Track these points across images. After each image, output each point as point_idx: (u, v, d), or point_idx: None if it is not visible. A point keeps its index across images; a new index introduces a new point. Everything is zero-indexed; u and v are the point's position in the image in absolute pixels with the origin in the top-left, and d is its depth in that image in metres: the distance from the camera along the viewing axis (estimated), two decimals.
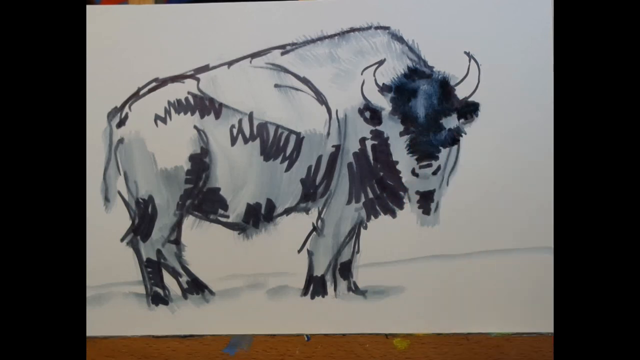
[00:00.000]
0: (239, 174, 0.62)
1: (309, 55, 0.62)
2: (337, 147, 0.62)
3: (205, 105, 0.63)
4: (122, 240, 0.63)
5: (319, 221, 0.63)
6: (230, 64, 0.63)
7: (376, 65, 0.62)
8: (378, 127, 0.62)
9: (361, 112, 0.62)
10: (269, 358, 0.62)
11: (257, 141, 0.62)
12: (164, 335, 0.63)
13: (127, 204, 0.63)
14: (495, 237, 0.60)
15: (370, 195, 0.62)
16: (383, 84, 0.62)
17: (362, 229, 0.63)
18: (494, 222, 0.60)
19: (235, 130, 0.62)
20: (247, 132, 0.62)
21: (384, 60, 0.62)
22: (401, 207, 0.62)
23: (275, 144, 0.62)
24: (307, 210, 0.63)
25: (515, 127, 0.61)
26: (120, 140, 0.63)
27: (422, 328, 0.60)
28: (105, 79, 0.63)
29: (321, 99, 0.62)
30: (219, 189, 0.63)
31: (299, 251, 0.63)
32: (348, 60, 0.62)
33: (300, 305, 0.62)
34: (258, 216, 0.63)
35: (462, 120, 0.61)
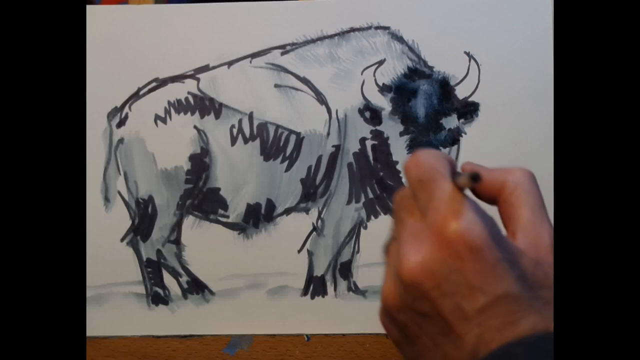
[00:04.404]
0: (239, 174, 0.62)
1: (309, 55, 0.62)
2: (337, 147, 0.62)
3: (205, 105, 0.63)
4: (122, 240, 0.63)
5: (319, 221, 0.63)
6: (230, 64, 0.63)
7: (376, 65, 0.62)
8: (378, 127, 0.62)
9: (361, 112, 0.62)
10: (269, 358, 0.62)
11: (257, 141, 0.62)
12: (164, 335, 0.63)
13: (127, 204, 0.63)
14: None
15: (370, 195, 0.62)
16: (383, 84, 0.62)
17: (362, 229, 0.63)
18: None
19: (235, 130, 0.62)
20: (247, 132, 0.62)
21: (384, 60, 0.62)
22: None
23: (275, 144, 0.62)
24: (307, 210, 0.63)
25: (515, 127, 0.61)
26: (120, 140, 0.63)
27: None
28: (105, 79, 0.63)
29: (321, 99, 0.62)
30: (219, 189, 0.63)
31: (299, 251, 0.63)
32: (348, 60, 0.62)
33: (300, 305, 0.62)
34: (258, 216, 0.63)
35: (462, 120, 0.61)
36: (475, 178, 0.32)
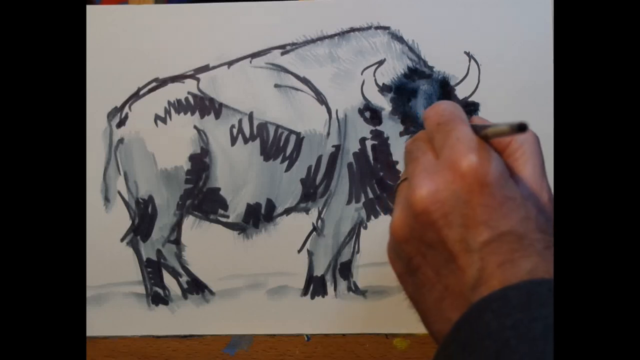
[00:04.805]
0: (239, 174, 0.62)
1: (309, 55, 0.62)
2: (337, 147, 0.62)
3: (205, 105, 0.63)
4: (122, 240, 0.63)
5: (319, 221, 0.63)
6: (230, 64, 0.63)
7: (376, 65, 0.62)
8: (378, 127, 0.62)
9: (361, 112, 0.62)
10: (269, 358, 0.62)
11: (257, 141, 0.62)
12: (164, 335, 0.63)
13: (127, 204, 0.63)
14: None
15: (370, 195, 0.62)
16: (383, 84, 0.62)
17: (362, 229, 0.63)
18: None
19: (235, 130, 0.62)
20: (247, 132, 0.62)
21: (384, 60, 0.62)
22: None
23: (275, 144, 0.62)
24: (307, 210, 0.63)
25: None
26: (120, 140, 0.63)
27: (422, 328, 0.60)
28: (105, 79, 0.63)
29: (321, 99, 0.62)
30: (219, 189, 0.63)
31: (299, 251, 0.63)
32: (348, 60, 0.62)
33: (300, 305, 0.62)
34: (258, 216, 0.63)
35: None
36: (522, 127, 0.32)
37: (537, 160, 0.36)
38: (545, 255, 0.32)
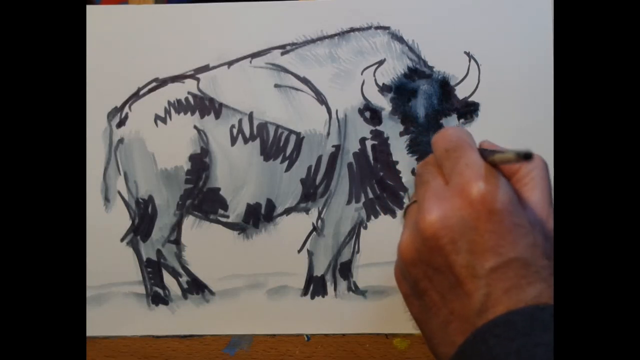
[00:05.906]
0: (239, 174, 0.62)
1: (309, 55, 0.62)
2: (337, 147, 0.62)
3: (205, 105, 0.63)
4: (122, 240, 0.63)
5: (319, 221, 0.63)
6: (230, 64, 0.63)
7: (376, 65, 0.62)
8: (378, 127, 0.62)
9: (361, 112, 0.62)
10: (269, 358, 0.62)
11: (257, 141, 0.62)
12: (164, 335, 0.63)
13: (127, 204, 0.63)
14: None
15: (370, 195, 0.62)
16: (383, 84, 0.62)
17: (362, 229, 0.63)
18: None
19: (235, 130, 0.62)
20: (247, 132, 0.62)
21: (384, 60, 0.62)
22: (401, 207, 0.62)
23: (275, 144, 0.62)
24: (307, 210, 0.63)
25: (515, 127, 0.61)
26: (120, 140, 0.63)
27: None
28: (105, 79, 0.63)
29: (321, 99, 0.62)
30: (219, 189, 0.63)
31: (299, 251, 0.63)
32: (348, 60, 0.62)
33: (300, 305, 0.62)
34: (258, 216, 0.63)
35: (462, 120, 0.61)
36: (527, 156, 0.33)
37: (545, 187, 0.36)
38: (551, 281, 0.32)
